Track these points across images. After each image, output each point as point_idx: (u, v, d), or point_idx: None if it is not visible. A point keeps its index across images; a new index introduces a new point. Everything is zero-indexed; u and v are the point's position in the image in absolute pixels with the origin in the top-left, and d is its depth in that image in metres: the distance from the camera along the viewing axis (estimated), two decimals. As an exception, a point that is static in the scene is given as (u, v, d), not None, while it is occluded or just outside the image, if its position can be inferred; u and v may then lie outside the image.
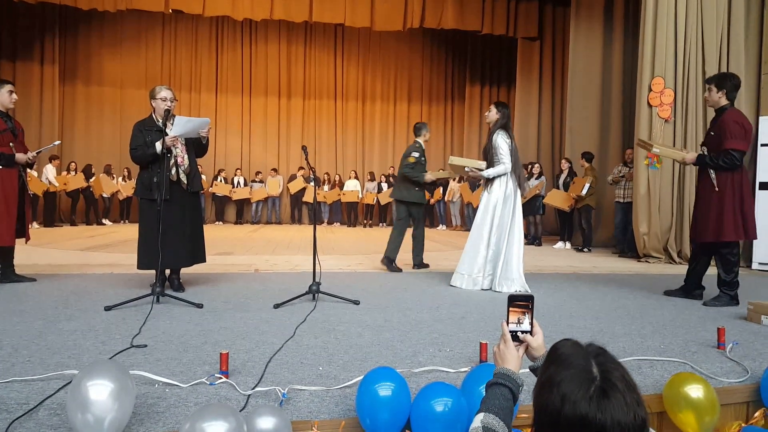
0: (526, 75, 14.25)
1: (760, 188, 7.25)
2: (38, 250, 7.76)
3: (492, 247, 5.05)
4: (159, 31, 16.73)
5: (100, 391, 1.79)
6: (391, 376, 2.13)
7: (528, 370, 1.66)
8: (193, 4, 12.13)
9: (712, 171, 4.43)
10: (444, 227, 15.56)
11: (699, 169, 4.66)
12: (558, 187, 10.18)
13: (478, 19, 13.14)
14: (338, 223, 16.48)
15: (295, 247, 9.04)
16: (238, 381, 2.37)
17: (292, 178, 16.45)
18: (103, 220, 14.40)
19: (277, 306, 4.04)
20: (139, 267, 4.47)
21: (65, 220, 13.90)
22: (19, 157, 4.89)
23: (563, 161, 10.44)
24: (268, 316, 3.74)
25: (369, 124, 18.29)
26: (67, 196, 13.67)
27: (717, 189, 4.40)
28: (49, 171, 13.08)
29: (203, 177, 14.37)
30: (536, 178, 10.77)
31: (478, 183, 12.59)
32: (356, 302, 4.24)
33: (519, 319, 1.61)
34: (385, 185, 16.26)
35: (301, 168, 16.58)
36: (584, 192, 9.20)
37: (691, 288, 4.78)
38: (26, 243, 5.37)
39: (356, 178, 16.69)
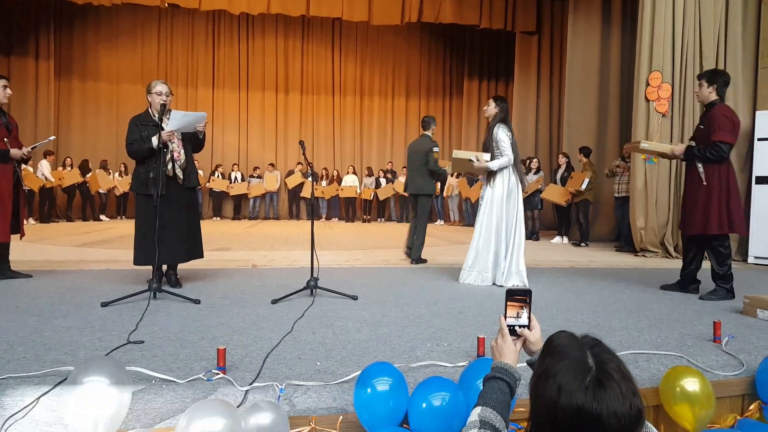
0: (524, 69, 14.24)
1: (756, 182, 7.26)
2: (34, 246, 7.74)
3: (502, 243, 5.04)
4: (155, 26, 16.66)
5: (96, 388, 1.79)
6: (388, 371, 2.13)
7: (525, 364, 1.66)
8: (190, -2, 12.09)
9: (700, 165, 4.49)
10: (442, 222, 15.56)
11: (687, 163, 4.71)
12: (555, 182, 10.18)
13: (476, 14, 13.12)
14: (336, 219, 16.48)
15: (293, 243, 9.04)
16: (236, 377, 2.37)
17: (290, 173, 16.44)
18: (100, 216, 14.37)
19: (274, 301, 4.04)
20: (136, 263, 4.46)
21: (61, 216, 13.87)
22: (14, 152, 4.88)
23: (560, 156, 10.44)
24: (266, 312, 3.74)
25: (367, 119, 18.27)
26: (63, 192, 13.63)
27: (705, 183, 4.46)
28: (45, 166, 13.04)
29: (200, 172, 14.34)
30: (534, 173, 10.77)
31: (476, 178, 12.61)
32: (354, 297, 4.24)
33: (517, 314, 1.61)
34: (383, 180, 16.25)
35: (299, 163, 16.57)
36: (584, 187, 9.20)
37: (687, 282, 4.80)
38: (21, 239, 5.36)
39: (354, 173, 16.68)
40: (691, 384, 2.28)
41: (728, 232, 4.47)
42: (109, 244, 8.31)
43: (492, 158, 5.11)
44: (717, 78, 4.53)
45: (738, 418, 2.51)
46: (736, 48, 7.61)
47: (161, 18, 16.65)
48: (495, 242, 5.06)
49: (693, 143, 4.61)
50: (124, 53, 16.45)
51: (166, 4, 12.44)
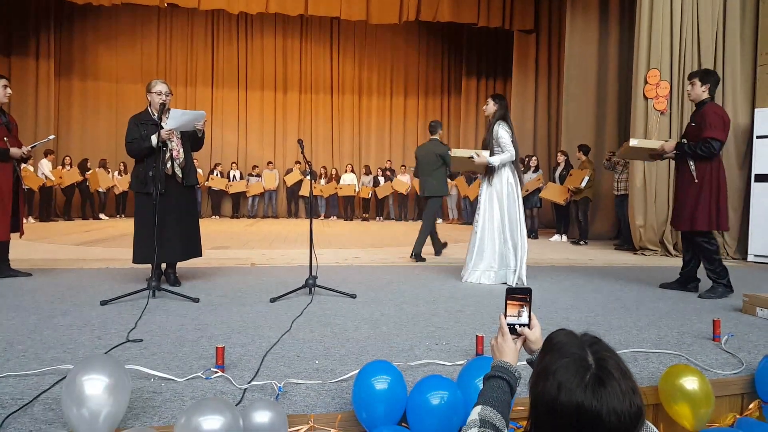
0: (522, 68, 14.23)
1: (756, 180, 7.26)
2: (34, 244, 7.74)
3: (508, 241, 5.02)
4: (154, 26, 16.64)
5: (95, 386, 1.78)
6: (387, 370, 2.12)
7: (525, 362, 1.66)
8: (188, -3, 12.07)
9: (691, 162, 4.54)
10: (440, 221, 15.56)
11: (678, 160, 4.75)
12: (554, 180, 10.17)
13: (474, 12, 13.11)
14: (335, 217, 16.47)
15: (292, 241, 9.03)
16: (234, 375, 2.37)
17: (289, 171, 16.43)
18: (100, 215, 14.36)
19: (273, 300, 4.04)
20: (135, 261, 4.47)
21: (61, 214, 13.85)
22: (14, 151, 4.88)
23: (559, 154, 10.43)
24: (265, 310, 3.74)
25: (365, 118, 18.26)
26: (62, 192, 13.61)
27: (696, 180, 4.51)
28: (45, 166, 13.03)
29: (199, 171, 14.34)
30: (533, 171, 10.77)
31: (474, 176, 12.61)
32: (353, 296, 4.25)
33: (517, 312, 1.61)
34: (381, 179, 16.24)
35: (297, 162, 16.56)
36: (583, 185, 9.19)
37: (686, 280, 4.81)
38: (20, 237, 5.35)
39: (353, 171, 16.67)
40: (691, 383, 2.27)
41: (716, 229, 4.55)
42: (109, 243, 8.31)
43: (492, 155, 5.10)
44: (709, 77, 4.60)
45: (737, 416, 2.50)
46: (734, 45, 7.62)
47: (160, 17, 16.63)
48: (499, 240, 5.05)
49: (684, 140, 4.66)
50: (123, 53, 16.43)
51: (165, 4, 12.42)
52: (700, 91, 4.60)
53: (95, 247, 7.70)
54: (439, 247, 7.23)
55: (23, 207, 5.22)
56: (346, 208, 16.38)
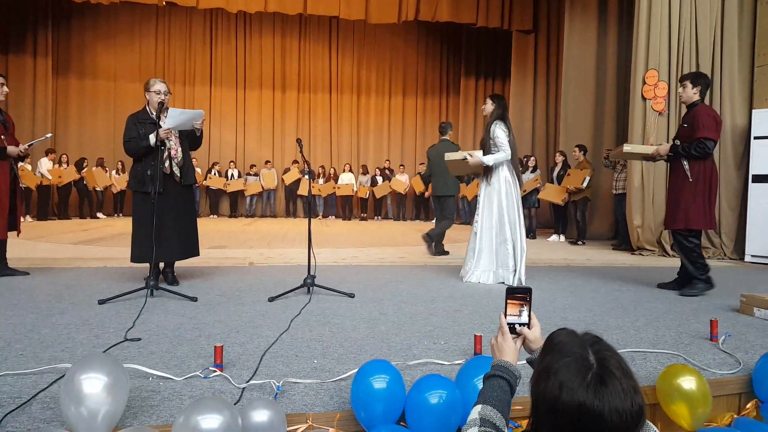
0: (521, 68, 14.25)
1: (753, 181, 7.28)
2: (31, 243, 7.73)
3: (508, 242, 5.02)
4: (153, 24, 16.63)
5: (93, 385, 1.78)
6: (385, 369, 2.13)
7: (525, 362, 1.66)
8: (187, -4, 12.06)
9: (685, 162, 4.61)
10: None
11: (671, 161, 4.80)
12: (552, 181, 10.18)
13: (473, 12, 13.12)
14: (333, 217, 16.47)
15: (290, 241, 9.03)
16: (233, 374, 2.37)
17: (286, 171, 16.44)
18: (97, 214, 14.34)
19: (271, 299, 4.04)
20: (133, 260, 4.46)
21: (59, 213, 13.82)
22: (11, 149, 4.87)
23: (557, 154, 10.44)
24: (263, 310, 3.74)
25: (364, 117, 18.26)
26: (58, 191, 13.58)
27: (690, 180, 4.58)
28: (43, 164, 13.01)
29: (198, 170, 14.33)
30: (531, 171, 10.77)
31: (472, 177, 12.62)
32: (351, 295, 4.25)
33: (517, 312, 1.62)
34: (379, 178, 16.24)
35: (295, 162, 16.55)
36: (585, 185, 9.19)
37: (684, 281, 4.81)
38: (18, 236, 5.34)
39: (351, 171, 16.67)
40: (688, 382, 2.28)
41: (709, 227, 4.66)
42: (106, 242, 8.30)
43: (489, 155, 5.10)
44: (700, 80, 4.71)
45: (735, 416, 2.51)
46: (732, 46, 7.63)
47: (159, 16, 16.62)
48: (497, 240, 5.06)
49: (677, 142, 4.72)
50: (121, 51, 16.41)
51: (164, 3, 12.41)
52: (692, 93, 4.69)
53: (93, 246, 7.69)
54: (440, 249, 7.27)
55: (21, 206, 5.22)
56: (345, 207, 16.38)
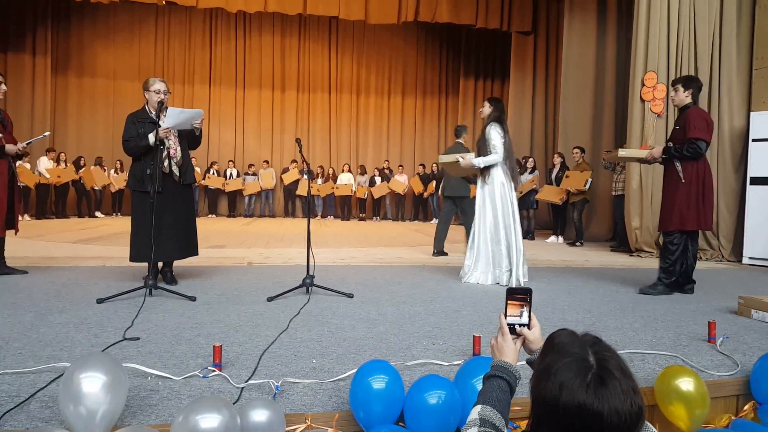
0: (520, 69, 14.26)
1: (751, 183, 7.29)
2: (29, 242, 7.72)
3: (501, 243, 5.05)
4: (152, 23, 16.63)
5: (92, 384, 1.78)
6: (384, 369, 2.13)
7: (525, 363, 1.67)
8: (187, -5, 12.06)
9: (678, 163, 4.65)
10: (437, 221, 15.55)
11: (665, 163, 4.84)
12: (551, 182, 10.19)
13: (473, 13, 13.14)
14: (332, 217, 16.47)
15: (289, 241, 9.03)
16: (232, 374, 2.37)
17: (285, 170, 16.44)
18: (95, 213, 14.33)
19: (270, 299, 4.04)
20: (132, 259, 4.45)
21: (57, 212, 13.81)
22: (9, 148, 4.87)
23: (555, 156, 10.45)
24: (262, 309, 3.74)
25: (363, 118, 18.27)
26: (56, 191, 13.57)
27: (683, 181, 4.62)
28: (42, 163, 13.00)
29: (197, 169, 14.32)
30: (530, 172, 10.78)
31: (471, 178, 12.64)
32: (350, 295, 4.25)
33: (518, 312, 1.62)
34: (378, 179, 16.24)
35: (294, 161, 16.54)
36: (587, 186, 9.19)
37: (682, 282, 4.82)
38: (15, 234, 5.34)
39: (350, 171, 16.67)
40: (686, 384, 2.28)
41: (704, 228, 4.69)
42: (105, 241, 8.29)
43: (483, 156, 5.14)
44: (692, 83, 4.76)
45: (733, 418, 2.51)
46: (730, 49, 7.65)
47: (158, 15, 16.61)
48: (492, 241, 5.08)
49: (671, 144, 4.77)
50: (121, 50, 16.41)
51: (164, 2, 12.41)
52: (683, 97, 4.74)
53: (91, 245, 7.68)
54: (440, 250, 7.37)
55: (19, 204, 5.21)
56: (343, 207, 16.39)
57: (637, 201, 7.73)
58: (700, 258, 7.21)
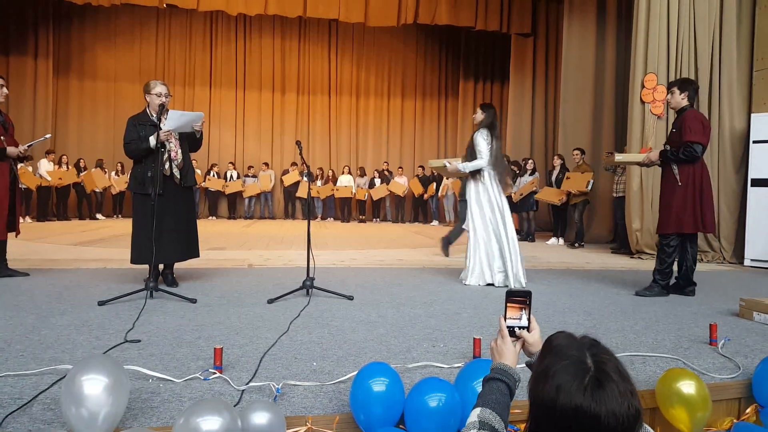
0: (520, 71, 14.27)
1: (752, 185, 7.29)
2: (31, 244, 7.72)
3: (492, 244, 5.12)
4: (153, 26, 16.65)
5: (94, 386, 1.78)
6: (384, 372, 2.13)
7: (524, 365, 1.67)
8: (187, -2, 12.08)
9: (674, 166, 4.67)
10: (437, 223, 15.57)
11: (662, 166, 4.85)
12: (551, 184, 10.19)
13: (472, 15, 13.15)
14: (332, 219, 16.47)
15: (289, 243, 9.03)
16: (232, 376, 2.37)
17: (285, 172, 16.44)
18: (96, 215, 14.34)
19: (271, 301, 4.04)
20: (133, 262, 4.46)
21: (58, 214, 13.82)
22: (11, 150, 4.88)
23: (555, 158, 10.45)
24: (262, 312, 3.74)
25: (363, 120, 18.29)
26: (57, 193, 13.57)
27: (680, 183, 4.63)
28: (43, 165, 13.01)
29: (198, 172, 14.33)
30: (530, 174, 10.78)
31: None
32: (350, 297, 4.25)
33: (517, 315, 1.62)
34: (378, 180, 16.24)
35: (294, 164, 16.55)
36: (589, 188, 9.18)
37: (683, 284, 4.83)
38: (16, 237, 5.34)
39: (349, 173, 16.68)
40: (687, 387, 2.28)
41: (702, 231, 4.69)
42: (106, 243, 8.29)
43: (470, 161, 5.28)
44: (688, 86, 4.79)
45: (735, 421, 2.51)
46: (730, 50, 7.64)
47: (159, 18, 16.64)
48: (483, 243, 5.16)
49: (667, 146, 4.78)
50: (122, 53, 16.44)
51: (164, 5, 12.42)
52: (680, 99, 4.76)
53: (93, 247, 7.69)
54: (446, 250, 7.48)
55: (20, 206, 5.22)
56: (343, 209, 16.39)
57: (637, 203, 7.73)
58: (701, 260, 7.21)
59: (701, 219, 4.61)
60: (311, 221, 5.31)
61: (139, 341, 2.90)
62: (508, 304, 1.62)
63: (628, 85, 8.14)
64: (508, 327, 1.60)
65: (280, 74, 17.61)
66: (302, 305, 3.94)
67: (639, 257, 7.70)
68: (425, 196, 15.84)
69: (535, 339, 1.60)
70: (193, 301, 3.96)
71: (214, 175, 15.83)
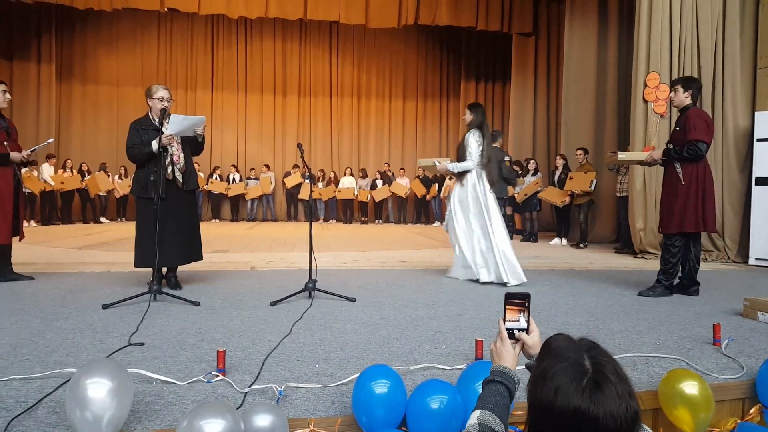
0: (521, 71, 14.27)
1: (756, 183, 7.26)
2: (35, 248, 7.75)
3: (477, 242, 5.25)
4: (154, 30, 16.71)
5: (98, 389, 1.79)
6: (387, 374, 2.13)
7: (524, 367, 1.67)
8: (189, 2, 12.13)
9: (678, 165, 4.65)
10: (439, 224, 15.56)
11: (665, 164, 4.84)
12: (554, 184, 10.17)
13: (473, 16, 13.15)
14: (334, 220, 16.49)
15: (291, 245, 9.04)
16: (235, 379, 2.38)
17: (287, 174, 16.47)
18: (100, 219, 14.38)
19: (273, 303, 4.05)
20: (136, 265, 4.48)
21: (62, 218, 13.86)
22: (14, 155, 4.90)
23: (558, 158, 10.44)
24: (265, 314, 3.75)
25: (364, 121, 18.31)
26: (61, 197, 13.61)
27: (683, 182, 4.61)
28: (45, 170, 13.05)
29: (200, 174, 14.36)
30: (532, 174, 10.77)
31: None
32: (352, 299, 4.25)
33: (516, 317, 1.62)
34: (380, 182, 16.25)
35: (296, 166, 16.57)
36: (592, 187, 9.17)
37: (687, 284, 4.82)
38: (20, 241, 5.37)
39: (351, 175, 16.69)
40: (691, 387, 2.27)
41: (703, 230, 4.68)
42: (110, 247, 8.32)
43: (462, 161, 5.37)
44: (691, 84, 4.76)
45: (738, 421, 2.50)
46: (734, 48, 7.63)
47: (161, 22, 16.70)
48: (465, 240, 5.30)
49: (670, 145, 4.76)
50: (124, 57, 16.50)
51: (166, 9, 12.46)
52: (683, 98, 4.74)
53: (96, 251, 7.71)
54: None
55: (24, 211, 5.24)
56: (345, 211, 16.40)
57: (641, 202, 7.71)
58: (705, 259, 7.19)
59: (702, 218, 4.59)
60: (313, 223, 5.33)
61: (142, 344, 2.91)
62: (507, 307, 1.63)
63: (631, 84, 8.13)
64: (507, 329, 1.61)
65: (282, 77, 17.64)
66: (305, 307, 3.95)
67: (642, 257, 7.68)
68: (427, 197, 15.84)
69: (535, 341, 1.61)
70: (197, 303, 3.97)
71: (216, 178, 15.86)
